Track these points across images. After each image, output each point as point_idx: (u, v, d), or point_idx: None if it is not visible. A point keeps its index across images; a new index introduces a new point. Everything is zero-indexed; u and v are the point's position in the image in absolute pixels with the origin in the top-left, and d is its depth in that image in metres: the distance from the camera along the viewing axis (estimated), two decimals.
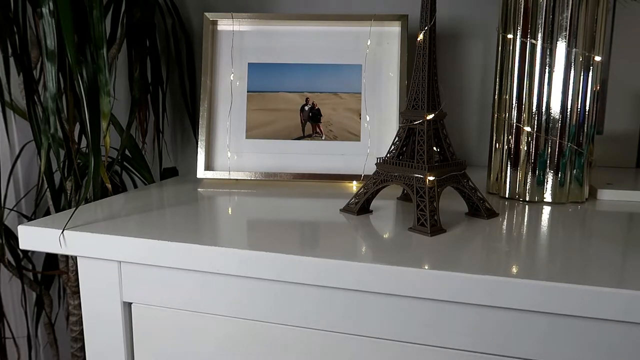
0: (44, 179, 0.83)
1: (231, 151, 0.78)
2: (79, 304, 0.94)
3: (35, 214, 1.04)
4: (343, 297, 0.46)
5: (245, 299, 0.50)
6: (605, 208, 0.62)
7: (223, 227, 0.54)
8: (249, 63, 0.79)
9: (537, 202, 0.64)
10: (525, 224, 0.55)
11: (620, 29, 0.84)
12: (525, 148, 0.64)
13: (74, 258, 0.91)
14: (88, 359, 0.57)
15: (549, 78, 0.62)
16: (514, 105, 0.64)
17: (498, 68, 0.66)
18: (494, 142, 0.68)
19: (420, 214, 0.51)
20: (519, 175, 0.65)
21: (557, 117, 0.62)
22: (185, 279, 0.51)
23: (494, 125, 0.67)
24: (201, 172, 0.76)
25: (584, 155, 0.63)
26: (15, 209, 1.12)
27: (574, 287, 0.38)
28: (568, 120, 0.62)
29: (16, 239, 1.01)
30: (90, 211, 0.60)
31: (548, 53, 0.61)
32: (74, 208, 0.58)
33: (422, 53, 0.53)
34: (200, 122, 0.77)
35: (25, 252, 1.05)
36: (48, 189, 0.86)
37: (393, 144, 0.57)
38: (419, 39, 0.53)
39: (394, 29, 0.78)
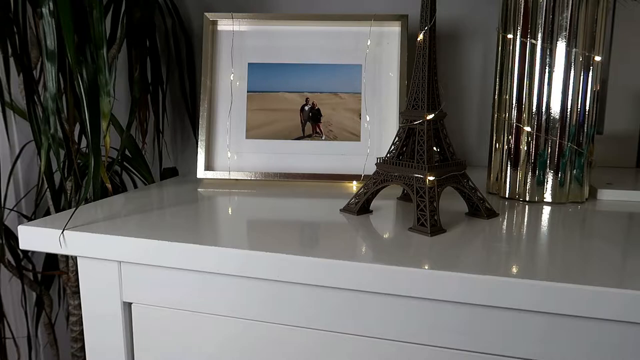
0: (44, 179, 0.83)
1: (231, 151, 0.78)
2: (79, 304, 0.94)
3: (35, 214, 1.04)
4: (343, 297, 0.46)
5: (245, 299, 0.50)
6: (605, 208, 0.62)
7: (223, 227, 0.54)
8: (249, 63, 0.79)
9: (537, 202, 0.64)
10: (525, 224, 0.55)
11: (620, 29, 0.84)
12: (525, 148, 0.64)
13: (74, 258, 0.91)
14: (88, 359, 0.57)
15: (549, 78, 0.62)
16: (514, 105, 0.64)
17: (498, 68, 0.66)
18: (494, 142, 0.68)
19: (420, 214, 0.51)
20: (519, 175, 0.65)
21: (557, 117, 0.62)
22: (185, 279, 0.51)
23: (494, 125, 0.67)
24: (201, 172, 0.76)
25: (584, 155, 0.63)
26: (15, 209, 1.12)
27: (574, 287, 0.38)
28: (568, 120, 0.62)
29: (16, 239, 1.01)
30: (90, 211, 0.60)
31: (548, 53, 0.61)
32: (74, 208, 0.58)
33: (422, 53, 0.53)
34: (200, 122, 0.77)
35: (25, 252, 1.05)
36: (48, 189, 0.86)
37: (393, 144, 0.57)
38: (419, 39, 0.53)
39: (394, 29, 0.78)
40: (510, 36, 0.64)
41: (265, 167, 0.77)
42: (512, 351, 0.43)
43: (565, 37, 0.60)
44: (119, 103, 1.08)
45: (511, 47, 0.64)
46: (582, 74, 0.61)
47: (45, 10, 0.66)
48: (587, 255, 0.45)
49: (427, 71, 0.53)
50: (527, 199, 0.65)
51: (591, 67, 0.61)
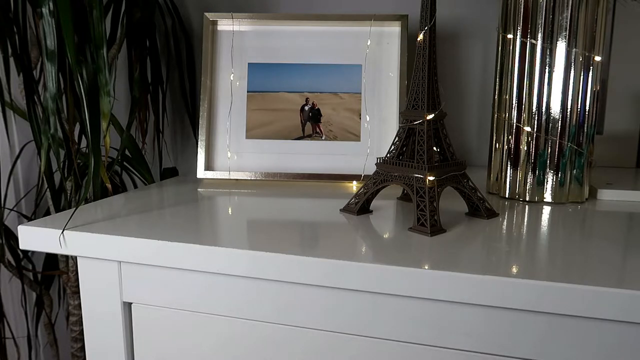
0: (44, 179, 0.83)
1: (231, 151, 0.78)
2: (79, 304, 0.94)
3: (35, 214, 1.04)
4: (342, 297, 0.46)
5: (245, 298, 0.50)
6: (605, 208, 0.62)
7: (223, 227, 0.54)
8: (249, 63, 0.79)
9: (537, 202, 0.64)
10: (525, 224, 0.55)
11: (620, 29, 0.84)
12: (525, 148, 0.64)
13: (74, 258, 0.91)
14: (88, 359, 0.57)
15: (549, 78, 0.62)
16: (514, 105, 0.64)
17: (498, 68, 0.66)
18: (494, 142, 0.68)
19: (420, 214, 0.51)
20: (519, 175, 0.65)
21: (557, 117, 0.62)
22: (185, 279, 0.51)
23: (494, 125, 0.67)
24: (201, 172, 0.76)
25: (584, 155, 0.63)
26: (15, 209, 1.12)
27: (574, 287, 0.38)
28: (568, 120, 0.62)
29: (16, 239, 1.01)
30: (90, 211, 0.60)
31: (548, 53, 0.61)
32: (74, 208, 0.58)
33: (422, 53, 0.53)
34: (200, 122, 0.77)
35: (25, 252, 1.05)
36: (48, 189, 0.86)
37: (393, 144, 0.57)
38: (419, 39, 0.53)
39: (394, 29, 0.78)
40: (510, 36, 0.64)
41: (265, 167, 0.77)
42: (512, 351, 0.43)
43: (565, 37, 0.60)
44: (119, 103, 1.08)
45: (511, 47, 0.64)
46: (582, 74, 0.61)
47: (45, 10, 0.66)
48: (587, 255, 0.45)
49: (427, 71, 0.53)
50: (527, 199, 0.65)
51: (591, 67, 0.61)
